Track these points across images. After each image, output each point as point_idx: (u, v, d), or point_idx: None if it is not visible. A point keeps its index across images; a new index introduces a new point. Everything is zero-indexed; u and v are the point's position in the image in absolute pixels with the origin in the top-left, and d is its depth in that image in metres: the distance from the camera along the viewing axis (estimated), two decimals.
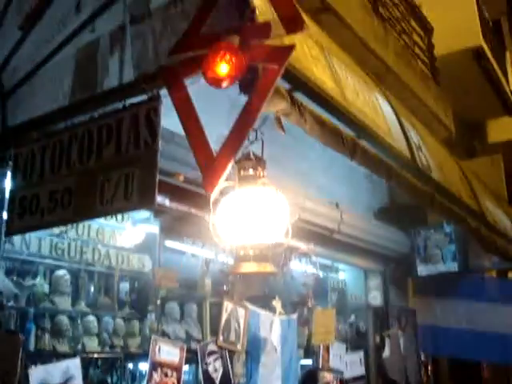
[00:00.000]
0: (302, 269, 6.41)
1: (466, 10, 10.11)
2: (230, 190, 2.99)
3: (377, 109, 4.12)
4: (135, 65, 3.20)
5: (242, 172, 3.07)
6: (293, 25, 2.60)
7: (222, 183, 2.71)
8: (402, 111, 5.22)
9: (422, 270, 8.58)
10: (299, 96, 3.07)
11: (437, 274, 8.50)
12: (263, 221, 2.97)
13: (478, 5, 10.37)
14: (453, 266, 8.42)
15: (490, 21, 11.87)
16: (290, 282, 6.33)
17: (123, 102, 3.18)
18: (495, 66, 10.72)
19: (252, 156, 3.07)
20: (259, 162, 3.10)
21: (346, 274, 8.31)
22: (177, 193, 4.48)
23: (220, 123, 3.11)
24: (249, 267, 3.05)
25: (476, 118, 11.73)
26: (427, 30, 8.88)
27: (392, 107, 4.69)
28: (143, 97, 3.10)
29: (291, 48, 2.59)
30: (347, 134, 3.42)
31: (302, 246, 5.83)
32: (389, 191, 8.24)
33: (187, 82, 2.84)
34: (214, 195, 2.81)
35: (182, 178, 4.27)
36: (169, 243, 5.46)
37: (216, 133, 2.92)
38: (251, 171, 3.07)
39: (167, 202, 4.45)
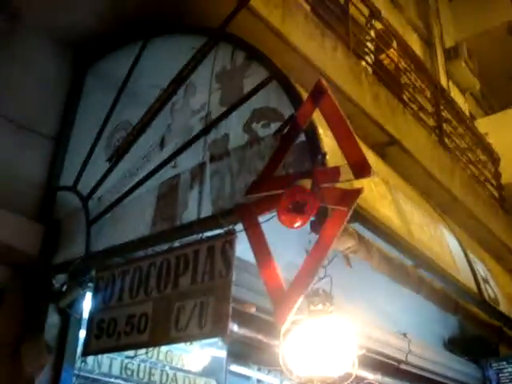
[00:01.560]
0: None
1: None
2: (300, 321, 3.10)
3: (442, 242, 4.21)
4: (213, 200, 3.45)
5: (311, 306, 3.20)
6: (360, 170, 2.80)
7: (291, 317, 2.83)
8: (468, 242, 5.26)
9: None
10: (365, 231, 3.23)
11: None
12: (331, 354, 3.05)
13: None
14: None
15: None
16: None
17: (200, 235, 3.41)
18: None
19: (321, 292, 3.21)
20: (327, 297, 3.22)
21: None
22: (246, 319, 4.60)
23: (289, 250, 3.28)
24: None
25: None
26: (494, 159, 9.00)
27: (457, 240, 4.77)
28: (219, 230, 3.32)
29: (359, 191, 2.78)
30: (413, 269, 3.52)
31: (369, 375, 5.75)
32: (459, 321, 8.06)
33: (261, 219, 3.05)
34: (284, 327, 2.93)
35: (253, 309, 4.41)
36: (234, 368, 5.50)
37: (286, 259, 3.08)
38: (320, 306, 3.20)
39: (236, 328, 4.57)
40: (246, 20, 4.47)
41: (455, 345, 7.98)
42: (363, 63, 6.06)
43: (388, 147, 5.71)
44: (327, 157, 2.92)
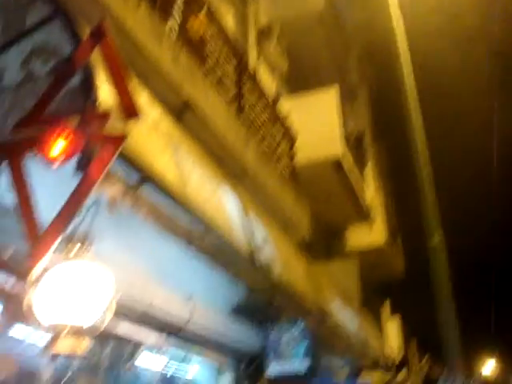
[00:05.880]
0: (148, 366, 6.20)
1: (329, 124, 10.86)
2: (55, 265, 2.96)
3: (220, 204, 4.32)
4: None
5: (67, 250, 3.07)
6: (129, 113, 2.78)
7: (48, 256, 2.73)
8: (254, 210, 5.45)
9: (274, 367, 8.60)
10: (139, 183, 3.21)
11: (290, 373, 8.55)
12: (83, 299, 2.96)
13: (342, 118, 11.14)
14: (303, 365, 8.52)
15: (355, 132, 12.80)
16: (135, 379, 6.06)
17: None
18: (354, 177, 11.50)
19: (79, 236, 3.09)
20: (86, 238, 3.11)
21: (196, 370, 8.14)
22: None
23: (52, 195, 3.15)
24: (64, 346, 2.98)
25: (335, 223, 12.39)
26: (290, 138, 9.42)
27: (240, 205, 4.92)
28: None
29: (124, 137, 2.76)
30: (182, 223, 3.57)
31: (152, 337, 5.69)
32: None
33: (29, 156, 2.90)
34: (37, 269, 2.80)
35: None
36: None
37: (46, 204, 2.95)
38: (78, 246, 3.07)
39: None
40: None
41: (242, 310, 8.21)
42: (168, 25, 6.01)
43: (184, 111, 5.71)
44: (99, 101, 2.86)
